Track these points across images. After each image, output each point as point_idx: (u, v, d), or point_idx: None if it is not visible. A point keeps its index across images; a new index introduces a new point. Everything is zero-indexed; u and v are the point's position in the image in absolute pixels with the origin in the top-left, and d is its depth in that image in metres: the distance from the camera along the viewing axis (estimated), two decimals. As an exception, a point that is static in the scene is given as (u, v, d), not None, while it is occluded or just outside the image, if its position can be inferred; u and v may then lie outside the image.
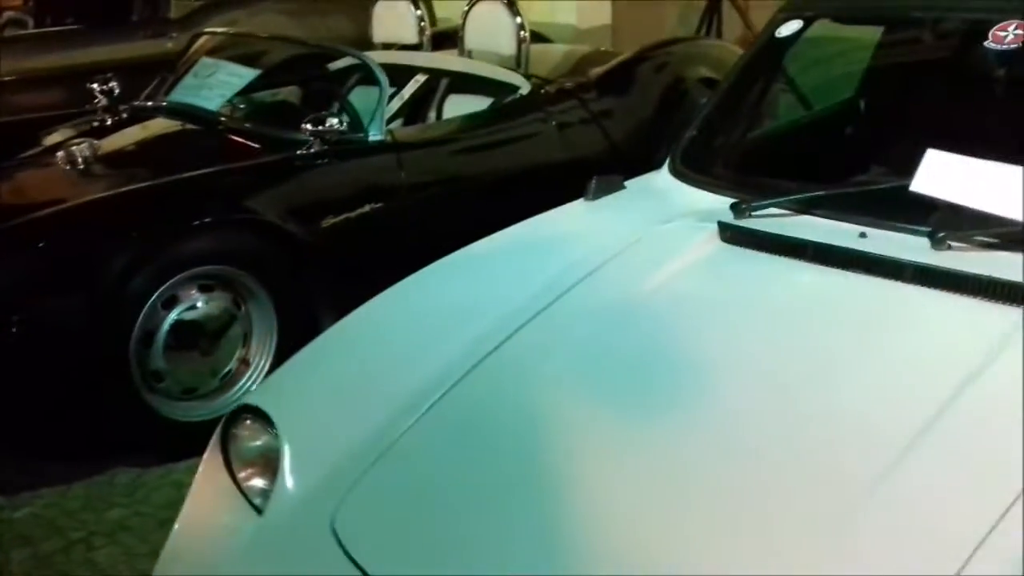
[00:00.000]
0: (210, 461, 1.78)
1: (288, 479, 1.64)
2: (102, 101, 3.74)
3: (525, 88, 3.91)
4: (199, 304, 2.92)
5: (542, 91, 3.95)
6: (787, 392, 1.56)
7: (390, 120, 3.87)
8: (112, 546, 2.53)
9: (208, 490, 1.76)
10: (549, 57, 4.58)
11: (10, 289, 2.67)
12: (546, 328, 1.82)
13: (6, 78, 4.76)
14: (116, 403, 2.79)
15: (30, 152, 3.47)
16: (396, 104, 4.04)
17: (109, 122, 3.68)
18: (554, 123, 3.86)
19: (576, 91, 4.03)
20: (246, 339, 3.03)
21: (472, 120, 3.77)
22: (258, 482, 1.70)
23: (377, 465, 1.61)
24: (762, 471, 1.43)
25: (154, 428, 2.86)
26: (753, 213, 2.03)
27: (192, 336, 2.91)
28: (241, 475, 1.73)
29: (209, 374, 2.99)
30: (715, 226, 2.02)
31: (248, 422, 1.73)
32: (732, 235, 1.99)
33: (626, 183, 2.41)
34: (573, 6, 6.97)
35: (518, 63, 4.02)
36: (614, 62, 4.28)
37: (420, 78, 4.19)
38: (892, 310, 1.69)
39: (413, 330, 1.88)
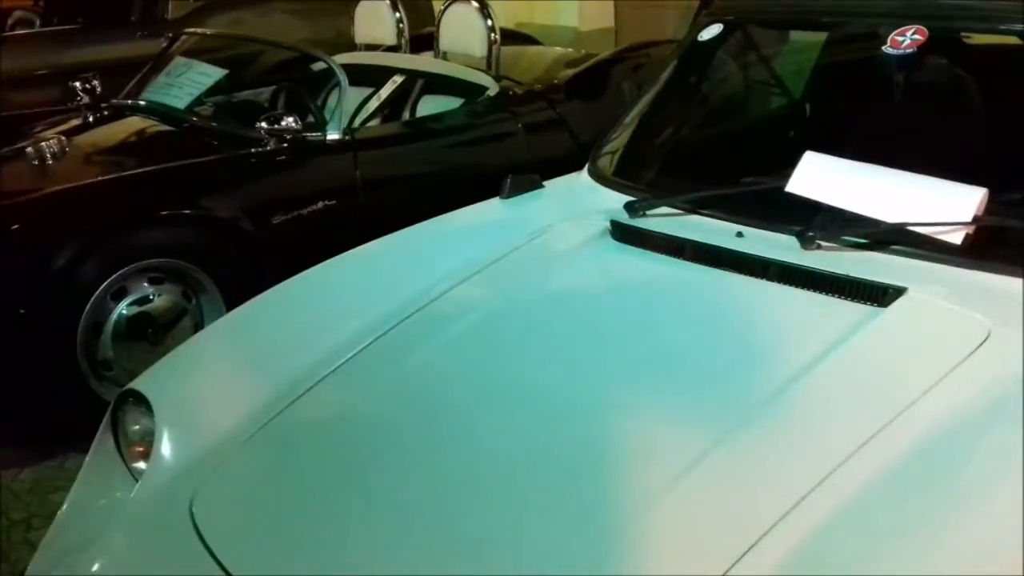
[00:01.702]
0: (100, 441, 1.86)
1: (159, 460, 1.71)
2: (84, 99, 3.86)
3: (493, 89, 3.97)
4: (149, 296, 3.01)
5: (511, 92, 4.01)
6: (625, 382, 1.60)
7: (367, 120, 3.96)
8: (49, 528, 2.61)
9: (96, 468, 1.84)
10: (529, 59, 4.63)
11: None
12: (426, 321, 1.88)
13: (5, 76, 4.91)
14: (64, 391, 2.88)
15: (10, 147, 3.59)
16: (374, 104, 4.11)
17: (90, 119, 3.79)
18: (521, 124, 3.91)
19: (545, 93, 4.08)
20: (196, 330, 3.11)
21: (437, 120, 3.83)
22: (141, 464, 1.78)
23: (241, 451, 1.67)
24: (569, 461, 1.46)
25: (102, 416, 2.95)
26: (646, 212, 2.07)
27: (141, 327, 3.00)
28: (128, 456, 1.81)
29: (160, 364, 3.07)
30: (609, 224, 2.06)
31: (131, 406, 1.80)
32: (622, 233, 2.04)
33: (546, 183, 2.46)
34: (575, 8, 7.01)
35: (489, 64, 4.08)
36: (587, 64, 4.32)
37: (397, 79, 4.26)
38: (747, 306, 1.73)
39: (295, 324, 1.94)
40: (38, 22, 5.76)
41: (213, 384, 1.83)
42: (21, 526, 2.65)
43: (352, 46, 4.61)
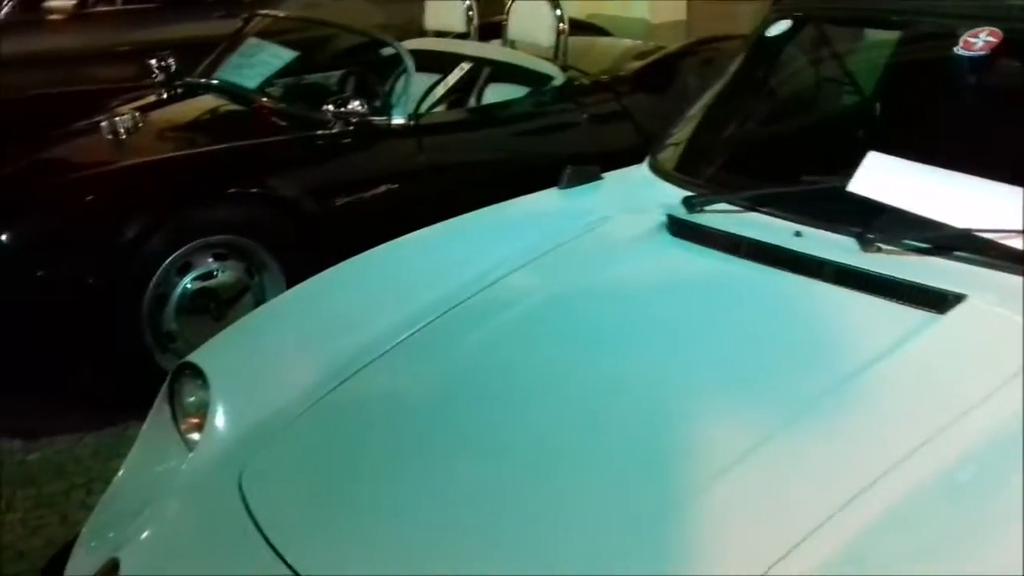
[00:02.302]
0: (157, 411, 1.91)
1: (212, 432, 1.75)
2: (159, 76, 3.95)
3: (559, 79, 3.96)
4: (213, 271, 3.07)
5: (576, 83, 4.00)
6: (678, 375, 1.60)
7: (433, 106, 3.99)
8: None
9: (152, 437, 1.89)
10: (598, 51, 4.62)
11: (36, 246, 2.87)
12: (481, 307, 1.89)
13: (87, 52, 5.03)
14: (129, 361, 2.96)
15: (87, 120, 3.69)
16: (440, 90, 4.13)
17: (165, 96, 3.88)
18: (586, 115, 3.91)
19: (611, 84, 4.06)
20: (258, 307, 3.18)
21: (502, 108, 3.84)
22: (195, 435, 1.82)
23: (292, 427, 1.70)
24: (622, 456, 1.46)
25: (165, 387, 3.03)
26: (704, 208, 2.06)
27: (205, 301, 3.07)
28: (183, 427, 1.86)
29: (222, 339, 3.14)
30: (666, 218, 2.05)
31: (188, 378, 1.85)
32: (679, 228, 2.03)
33: (604, 175, 2.46)
34: (647, 1, 6.96)
35: (555, 54, 4.07)
36: (655, 56, 4.29)
37: (465, 66, 4.28)
38: (803, 307, 1.71)
39: (352, 304, 1.97)
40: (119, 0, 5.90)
41: (269, 359, 1.86)
42: (81, 489, 2.73)
43: (422, 33, 4.64)
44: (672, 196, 2.21)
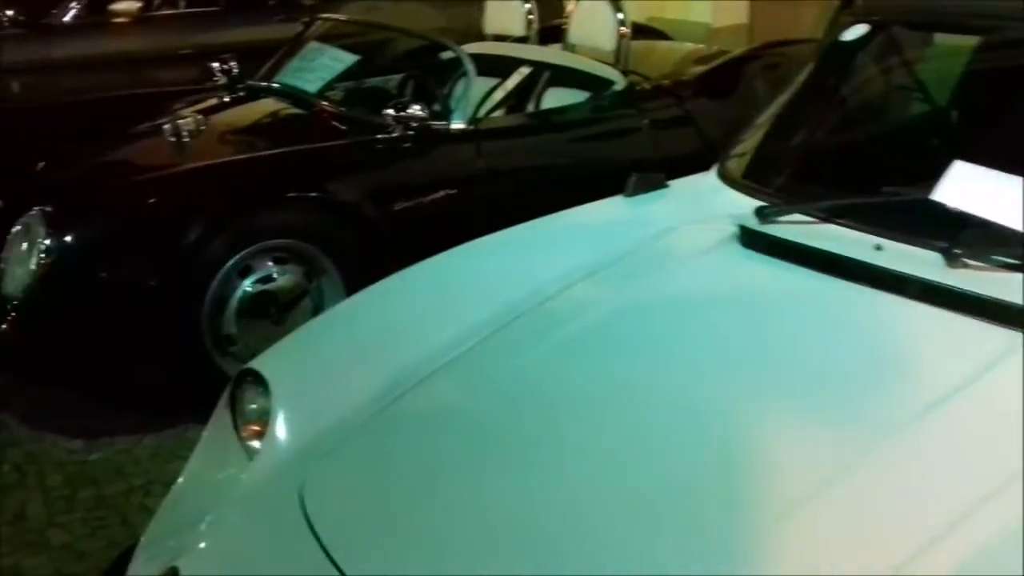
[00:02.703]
0: (218, 418, 1.90)
1: (273, 442, 1.73)
2: (221, 80, 3.97)
3: (620, 83, 3.91)
4: (273, 275, 3.07)
5: (638, 88, 3.94)
6: (752, 394, 1.54)
7: (492, 110, 3.96)
8: (166, 495, 2.69)
9: (213, 443, 1.88)
10: (659, 55, 4.56)
11: (100, 248, 2.89)
12: (543, 318, 1.85)
13: (150, 55, 5.09)
14: (189, 363, 2.97)
15: (150, 123, 3.72)
16: (499, 94, 4.11)
17: (227, 99, 3.90)
18: (647, 120, 3.85)
19: (673, 89, 4.00)
20: (316, 311, 3.16)
21: (562, 113, 3.80)
22: (255, 443, 1.80)
23: (353, 438, 1.67)
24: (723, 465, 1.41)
25: (224, 390, 3.02)
26: (777, 219, 1.99)
27: (264, 305, 3.06)
28: (244, 434, 1.84)
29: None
30: (737, 229, 1.99)
31: (250, 385, 1.83)
32: (751, 239, 1.96)
33: (671, 182, 2.40)
34: (708, 4, 6.87)
35: (617, 59, 4.02)
36: (719, 60, 4.22)
37: (524, 70, 4.24)
38: (884, 324, 1.64)
39: (413, 313, 1.94)
40: (182, 2, 5.96)
41: (330, 368, 1.83)
42: (140, 491, 2.74)
43: (481, 36, 4.62)
44: (742, 205, 2.15)
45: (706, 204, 2.23)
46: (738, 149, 2.39)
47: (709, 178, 2.36)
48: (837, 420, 1.45)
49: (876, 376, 1.51)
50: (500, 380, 1.73)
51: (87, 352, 2.88)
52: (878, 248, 1.80)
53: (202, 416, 3.03)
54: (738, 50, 4.42)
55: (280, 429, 1.74)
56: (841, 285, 1.75)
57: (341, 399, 1.74)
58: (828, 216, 1.94)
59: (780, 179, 2.25)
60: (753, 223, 2.01)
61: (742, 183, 2.25)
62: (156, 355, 2.95)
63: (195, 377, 3.00)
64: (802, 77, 2.44)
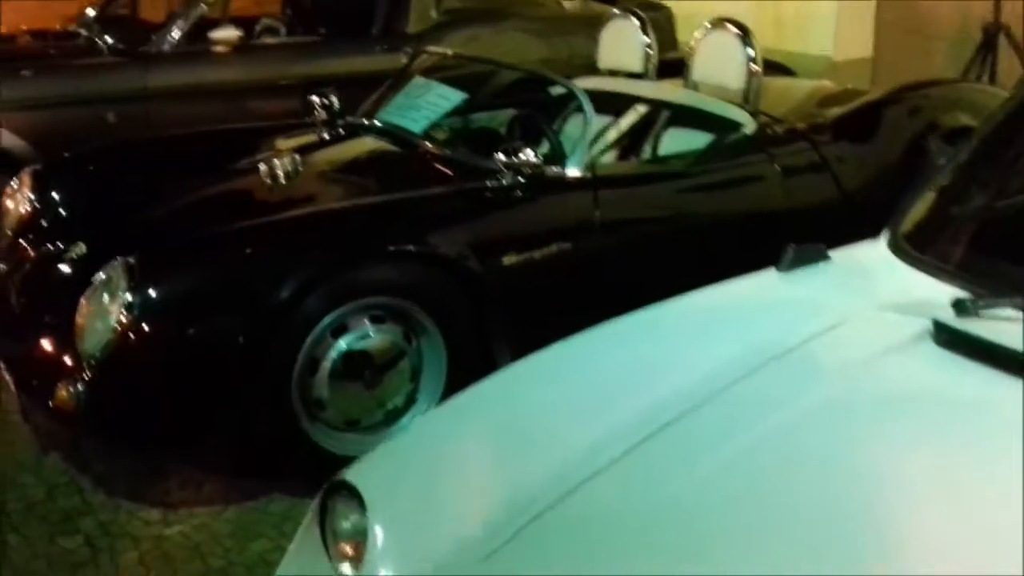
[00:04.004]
0: (306, 532, 1.63)
1: (372, 572, 1.44)
2: (321, 114, 3.75)
3: (750, 126, 3.57)
4: (369, 334, 2.80)
5: (768, 130, 3.60)
6: (945, 541, 1.21)
7: (605, 151, 3.66)
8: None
9: (300, 561, 1.61)
10: (787, 93, 4.20)
11: (189, 301, 2.66)
12: (698, 427, 1.53)
13: (250, 85, 4.93)
14: (275, 427, 2.72)
15: (242, 161, 3.52)
16: (612, 134, 3.81)
17: (326, 136, 3.68)
18: (778, 166, 3.50)
19: (808, 132, 3.64)
20: (415, 375, 2.90)
21: (685, 158, 3.48)
22: (346, 567, 1.52)
23: (479, 573, 1.37)
24: None
25: (312, 458, 2.77)
26: (981, 313, 1.64)
27: (359, 367, 2.80)
28: (335, 553, 1.56)
29: (375, 406, 2.87)
30: (930, 324, 1.64)
31: (343, 497, 1.55)
32: (948, 339, 1.61)
33: (832, 253, 2.06)
34: (830, 36, 6.46)
35: (746, 99, 3.68)
36: (857, 103, 3.85)
37: (640, 108, 3.94)
38: None
39: (541, 412, 1.64)
40: (283, 31, 5.82)
41: (441, 481, 1.54)
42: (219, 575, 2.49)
43: (584, 67, 4.32)
44: (927, 288, 1.81)
45: (880, 285, 1.89)
46: (915, 215, 2.03)
47: (879, 250, 2.01)
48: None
49: None
50: (660, 501, 1.41)
51: (168, 415, 2.65)
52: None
53: (287, 487, 2.82)
54: (876, 91, 4.02)
55: (379, 557, 1.45)
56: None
57: (457, 521, 1.46)
58: (1052, 314, 1.58)
59: (974, 257, 1.89)
60: (949, 317, 1.66)
61: (922, 260, 1.90)
62: (240, 417, 2.70)
63: (281, 444, 2.75)
64: (995, 128, 2.08)
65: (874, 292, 1.86)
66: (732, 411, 1.55)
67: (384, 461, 1.63)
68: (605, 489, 1.45)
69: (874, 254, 2.01)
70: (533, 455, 1.53)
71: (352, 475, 1.57)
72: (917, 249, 1.94)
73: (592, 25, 5.69)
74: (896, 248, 1.97)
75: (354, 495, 1.53)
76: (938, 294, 1.75)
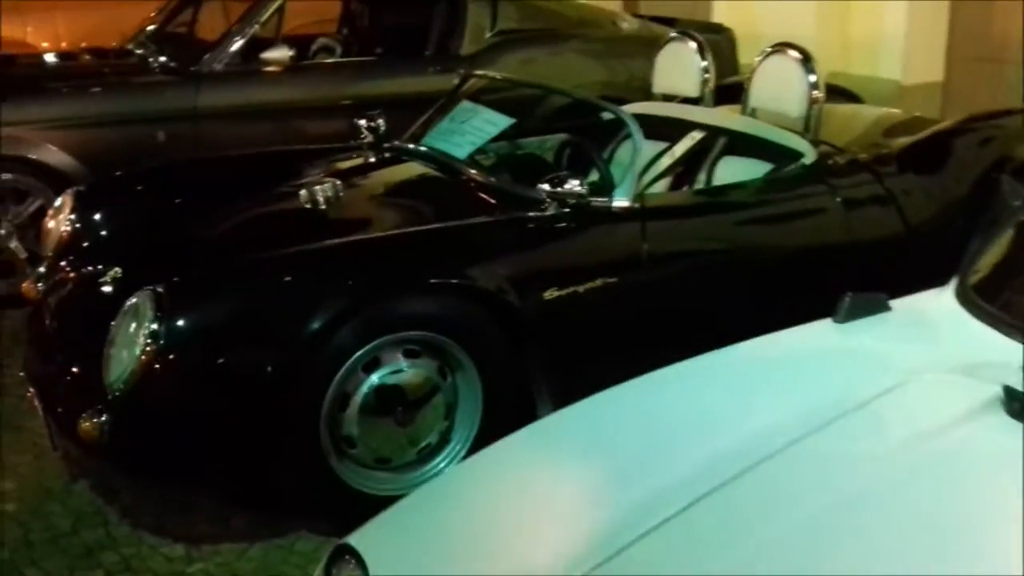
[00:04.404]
0: (311, 596, 1.52)
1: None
2: (367, 137, 3.68)
3: (810, 156, 3.40)
4: (403, 368, 2.70)
5: (830, 161, 3.42)
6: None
7: (656, 179, 3.52)
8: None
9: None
10: (850, 121, 4.03)
11: (213, 333, 2.58)
12: (758, 486, 1.40)
13: (301, 105, 4.88)
14: (302, 464, 2.62)
15: (285, 185, 3.45)
16: (665, 162, 3.66)
17: (371, 160, 3.60)
18: (839, 199, 3.33)
19: (872, 163, 3.47)
20: (449, 412, 2.79)
21: (740, 189, 3.32)
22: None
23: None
24: None
25: (340, 497, 2.67)
26: (1059, 379, 1.47)
27: (390, 403, 2.69)
28: (340, 621, 1.45)
29: (407, 444, 2.76)
30: (1000, 391, 1.48)
31: (347, 563, 1.44)
32: (1020, 408, 1.45)
33: (893, 304, 1.90)
34: (899, 59, 6.22)
35: (806, 127, 3.51)
36: (925, 132, 3.66)
37: (695, 135, 3.79)
38: None
39: (572, 473, 1.51)
40: (339, 50, 5.78)
41: (453, 553, 1.42)
42: (242, 618, 2.40)
43: (643, 90, 4.19)
44: (995, 346, 1.66)
45: (946, 342, 1.74)
46: (985, 263, 1.88)
47: (945, 301, 1.86)
48: None
49: None
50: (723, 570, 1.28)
51: (192, 449, 2.56)
52: None
53: (313, 526, 2.72)
54: (946, 122, 3.82)
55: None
56: None
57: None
58: None
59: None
60: (1020, 382, 1.50)
61: (993, 314, 1.74)
62: (266, 452, 2.60)
63: (309, 481, 2.65)
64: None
65: (940, 349, 1.71)
66: (796, 471, 1.43)
67: (388, 526, 1.52)
68: (658, 552, 1.32)
69: (940, 305, 1.86)
70: (564, 521, 1.41)
71: (356, 540, 1.46)
72: (988, 301, 1.79)
73: (651, 47, 5.62)
74: (964, 300, 1.82)
75: (358, 561, 1.42)
76: (1009, 354, 1.60)
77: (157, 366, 2.46)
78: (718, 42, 5.27)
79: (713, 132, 3.73)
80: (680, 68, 4.00)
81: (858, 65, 6.20)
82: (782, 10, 6.24)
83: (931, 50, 6.32)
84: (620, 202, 2.99)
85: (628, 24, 5.81)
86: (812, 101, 3.49)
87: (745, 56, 5.52)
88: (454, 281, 2.72)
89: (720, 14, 6.84)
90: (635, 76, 5.39)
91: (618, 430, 1.64)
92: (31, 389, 2.86)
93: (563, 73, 5.12)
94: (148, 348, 2.46)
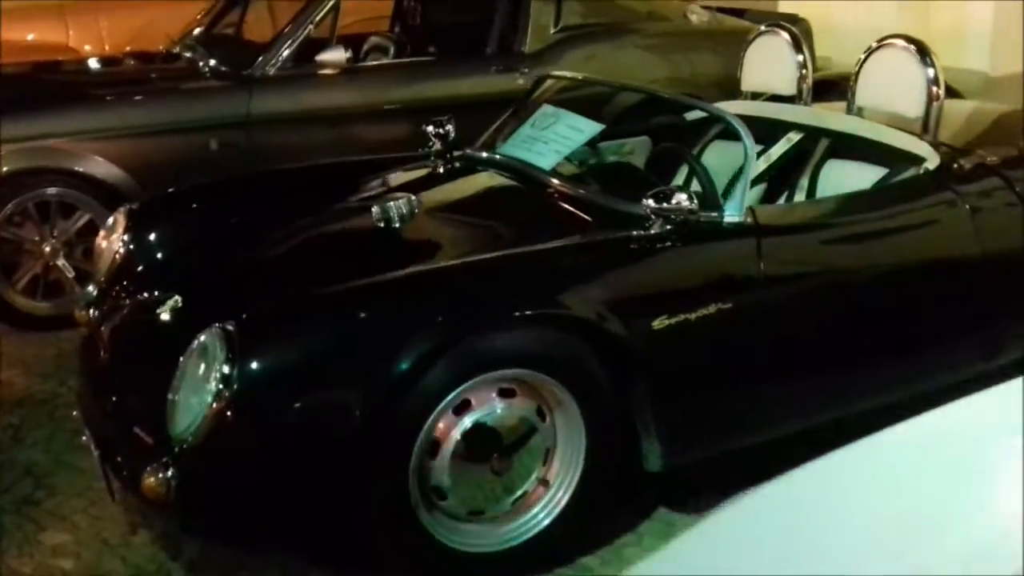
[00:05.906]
0: None
1: None
2: (436, 145, 3.39)
3: (932, 161, 3.07)
4: (497, 410, 2.41)
5: (955, 165, 3.09)
6: None
7: (752, 184, 3.21)
8: None
9: None
10: (969, 119, 3.70)
11: (295, 375, 2.29)
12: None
13: (357, 110, 4.61)
14: (388, 516, 2.35)
15: (352, 199, 3.17)
16: (761, 165, 3.36)
17: (440, 170, 3.31)
18: (967, 207, 2.99)
19: (1000, 167, 3.13)
20: (547, 456, 2.50)
21: (858, 200, 3.00)
22: None
23: None
24: None
25: (428, 553, 2.39)
26: None
27: (485, 449, 2.41)
28: None
29: (502, 493, 2.47)
30: None
31: None
32: None
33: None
34: (986, 49, 5.84)
35: (925, 127, 3.19)
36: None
37: (793, 136, 3.48)
38: None
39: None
40: (392, 50, 5.50)
41: None
42: None
43: (710, 86, 3.88)
44: None
45: None
46: None
47: None
48: None
49: None
50: None
51: (269, 506, 2.29)
52: None
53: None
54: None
55: None
56: None
57: None
58: None
59: None
60: None
61: None
62: (350, 503, 2.33)
63: (394, 535, 2.37)
64: None
65: None
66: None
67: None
68: None
69: None
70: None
71: None
72: None
73: (719, 40, 5.30)
74: None
75: None
76: None
77: (230, 414, 2.19)
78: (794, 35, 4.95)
79: (815, 134, 3.42)
80: (773, 63, 3.68)
81: (944, 57, 5.80)
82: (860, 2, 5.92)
83: (1019, 39, 5.95)
84: (731, 217, 2.68)
85: (698, 16, 5.48)
86: (932, 99, 3.16)
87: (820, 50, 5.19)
88: (551, 311, 2.42)
89: (787, 5, 6.49)
90: (701, 72, 5.10)
91: (766, 538, 1.34)
92: (87, 432, 2.60)
93: (627, 70, 4.82)
94: (220, 394, 2.18)
